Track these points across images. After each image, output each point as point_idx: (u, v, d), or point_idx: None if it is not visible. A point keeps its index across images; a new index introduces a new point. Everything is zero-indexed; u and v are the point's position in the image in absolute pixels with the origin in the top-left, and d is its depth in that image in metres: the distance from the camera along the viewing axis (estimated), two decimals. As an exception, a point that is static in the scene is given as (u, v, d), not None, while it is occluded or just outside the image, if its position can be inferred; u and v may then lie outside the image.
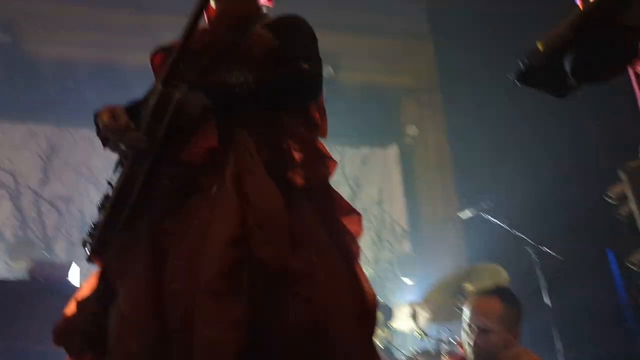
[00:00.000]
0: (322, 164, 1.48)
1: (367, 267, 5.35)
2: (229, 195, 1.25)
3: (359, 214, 1.50)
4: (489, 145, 4.60)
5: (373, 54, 6.01)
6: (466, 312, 2.34)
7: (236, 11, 1.65)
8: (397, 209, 5.77)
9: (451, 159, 5.44)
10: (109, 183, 1.41)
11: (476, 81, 4.69)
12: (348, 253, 1.42)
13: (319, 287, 1.22)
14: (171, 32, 1.56)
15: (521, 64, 1.27)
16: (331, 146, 5.73)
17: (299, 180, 1.37)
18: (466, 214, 3.84)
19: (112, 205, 1.36)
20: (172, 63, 1.42)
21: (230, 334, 1.09)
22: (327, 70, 5.67)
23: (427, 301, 3.35)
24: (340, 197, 1.52)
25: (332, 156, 1.54)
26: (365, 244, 5.50)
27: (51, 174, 5.24)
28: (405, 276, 5.23)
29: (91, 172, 5.18)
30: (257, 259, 1.17)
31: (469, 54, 4.76)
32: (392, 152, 6.07)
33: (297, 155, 1.41)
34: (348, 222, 1.46)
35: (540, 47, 1.24)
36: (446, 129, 5.60)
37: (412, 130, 6.02)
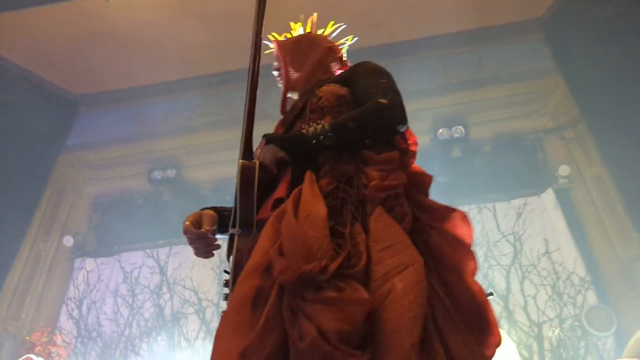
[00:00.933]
0: (402, 177, 1.35)
1: (552, 328, 4.86)
2: (263, 232, 1.22)
3: (458, 211, 1.35)
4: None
5: (501, 102, 5.86)
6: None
7: (312, 80, 1.72)
8: (570, 257, 5.23)
9: (617, 192, 4.91)
10: (226, 272, 1.45)
11: (619, 103, 4.31)
12: (451, 263, 1.25)
13: (371, 286, 1.09)
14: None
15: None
16: (480, 206, 5.54)
17: (373, 194, 1.28)
18: (652, 248, 3.40)
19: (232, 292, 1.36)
20: (245, 137, 1.47)
21: None
22: (458, 131, 5.68)
23: (632, 356, 2.94)
24: (434, 203, 1.39)
25: (426, 172, 1.46)
26: (542, 302, 5.04)
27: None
28: (598, 331, 4.65)
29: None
30: (276, 278, 1.09)
31: (603, 76, 4.44)
32: (548, 197, 5.64)
33: (374, 174, 1.32)
34: (451, 226, 1.32)
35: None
36: (602, 160, 5.12)
37: (564, 170, 5.60)
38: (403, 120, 1.46)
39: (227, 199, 5.99)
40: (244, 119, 1.50)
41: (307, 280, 1.05)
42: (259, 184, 1.38)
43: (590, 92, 4.84)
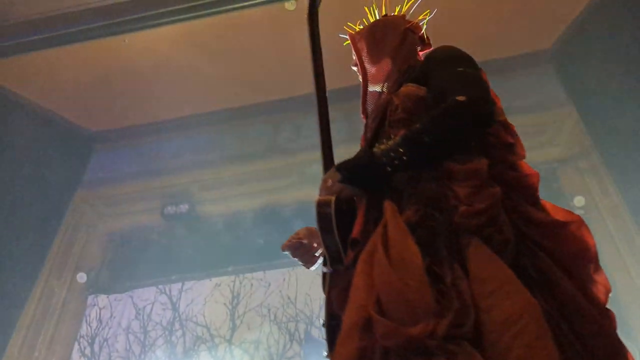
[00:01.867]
0: (494, 194, 1.12)
1: None
2: (355, 281, 1.09)
3: (572, 222, 1.13)
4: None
5: (513, 135, 5.85)
6: None
7: (393, 70, 1.53)
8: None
9: (634, 223, 4.83)
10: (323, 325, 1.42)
11: (633, 132, 4.29)
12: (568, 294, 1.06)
13: (483, 346, 0.94)
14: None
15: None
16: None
17: (465, 222, 1.09)
18: (675, 280, 3.30)
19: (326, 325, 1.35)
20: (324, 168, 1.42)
21: None
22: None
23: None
24: (543, 216, 1.16)
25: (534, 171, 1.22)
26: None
27: (237, 320, 5.62)
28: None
29: (269, 311, 5.48)
30: (379, 340, 0.96)
31: (615, 105, 4.43)
32: (564, 229, 5.56)
33: (462, 192, 1.11)
34: (566, 244, 1.12)
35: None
36: (617, 190, 5.06)
37: (579, 201, 5.53)
38: (487, 117, 1.23)
39: (240, 233, 5.98)
40: (321, 152, 1.43)
41: (414, 345, 0.93)
42: (342, 217, 1.27)
43: (603, 122, 4.82)
